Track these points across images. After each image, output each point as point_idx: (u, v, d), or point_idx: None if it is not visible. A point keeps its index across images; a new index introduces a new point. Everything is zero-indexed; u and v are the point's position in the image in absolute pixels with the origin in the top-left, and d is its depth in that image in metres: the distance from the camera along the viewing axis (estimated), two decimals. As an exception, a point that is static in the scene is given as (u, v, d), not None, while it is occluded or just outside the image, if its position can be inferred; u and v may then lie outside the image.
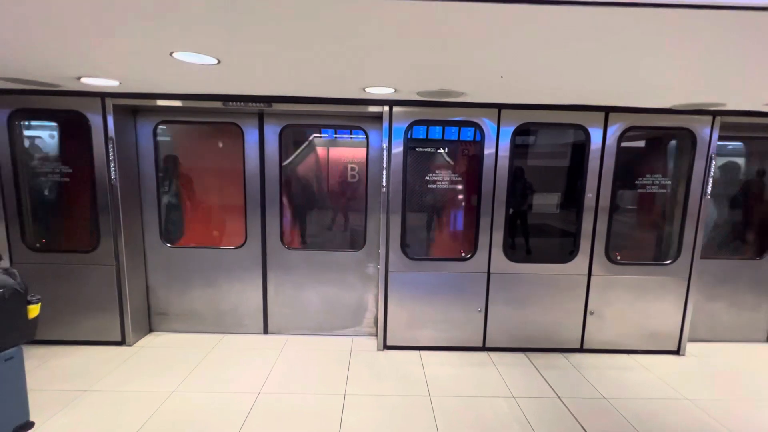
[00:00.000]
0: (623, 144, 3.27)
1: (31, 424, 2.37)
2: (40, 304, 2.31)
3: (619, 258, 3.42)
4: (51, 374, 2.95)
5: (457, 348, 3.51)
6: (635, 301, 3.46)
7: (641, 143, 3.51)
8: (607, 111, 3.20)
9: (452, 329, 3.49)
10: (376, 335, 3.65)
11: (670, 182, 3.42)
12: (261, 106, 3.21)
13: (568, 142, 3.54)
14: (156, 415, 2.50)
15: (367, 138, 3.52)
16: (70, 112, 3.14)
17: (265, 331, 3.76)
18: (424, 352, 3.47)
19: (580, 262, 3.40)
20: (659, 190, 3.42)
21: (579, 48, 1.75)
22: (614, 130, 3.23)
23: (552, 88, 2.61)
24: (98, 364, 3.12)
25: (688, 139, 3.30)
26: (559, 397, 2.85)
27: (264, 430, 2.40)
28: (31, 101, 3.12)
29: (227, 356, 3.31)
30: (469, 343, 3.51)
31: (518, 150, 3.37)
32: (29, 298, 2.26)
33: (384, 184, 3.27)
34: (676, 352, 3.55)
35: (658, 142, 3.53)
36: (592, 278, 3.42)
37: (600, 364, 3.35)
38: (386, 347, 3.51)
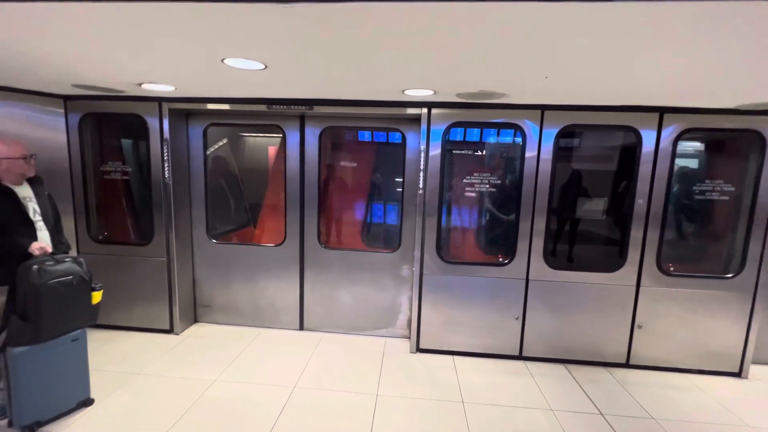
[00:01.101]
0: (679, 147, 3.04)
1: (92, 401, 2.59)
2: (102, 291, 2.52)
3: (672, 269, 3.18)
4: (108, 356, 3.20)
5: (491, 355, 3.42)
6: (690, 316, 3.20)
7: (700, 146, 3.26)
8: (662, 112, 3.00)
9: (487, 336, 3.40)
10: (409, 337, 3.64)
11: (733, 188, 3.14)
12: (303, 109, 3.31)
13: (617, 144, 3.35)
14: (199, 402, 2.65)
15: (404, 140, 3.53)
16: (132, 116, 3.41)
17: (301, 328, 3.87)
18: (457, 357, 3.42)
19: (628, 271, 3.20)
20: (720, 196, 3.15)
21: (631, 45, 1.66)
22: (669, 133, 3.02)
23: (601, 88, 2.49)
24: (149, 349, 3.35)
25: (756, 141, 3.02)
26: (601, 414, 2.70)
27: (298, 424, 2.47)
28: (99, 106, 3.42)
29: (265, 350, 3.44)
30: (505, 351, 3.41)
31: (562, 153, 3.23)
32: (93, 285, 2.47)
33: (421, 186, 3.26)
34: (737, 374, 3.24)
35: (719, 145, 3.26)
36: (641, 289, 3.21)
37: (648, 382, 3.13)
38: (419, 350, 3.49)
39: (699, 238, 3.43)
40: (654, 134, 3.03)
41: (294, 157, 3.62)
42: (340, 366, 3.20)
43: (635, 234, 3.16)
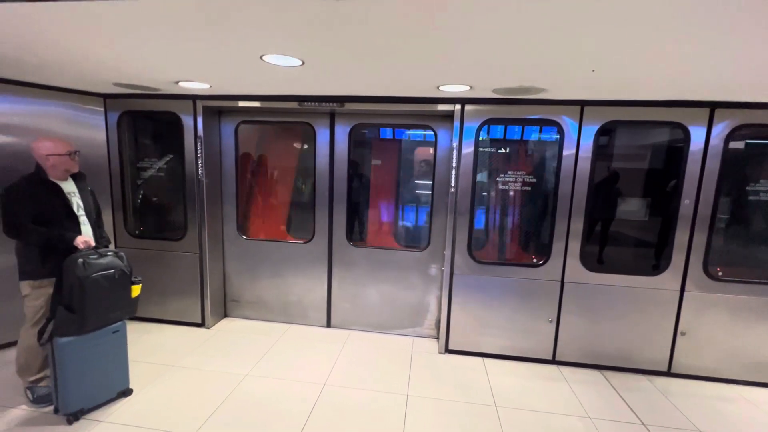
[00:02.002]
0: (731, 145, 2.87)
1: (131, 391, 2.66)
2: (141, 284, 2.58)
3: (720, 274, 3.01)
4: (144, 348, 3.29)
5: (523, 358, 3.33)
6: (739, 324, 3.02)
7: (755, 143, 3.05)
8: (713, 107, 2.83)
9: (519, 338, 3.31)
10: (437, 338, 3.59)
11: (791, 189, 2.93)
12: (333, 106, 3.29)
13: (662, 141, 3.19)
14: (232, 396, 2.68)
15: (435, 137, 3.47)
16: (167, 114, 3.48)
17: (328, 325, 3.87)
18: (487, 360, 3.34)
19: (671, 275, 3.04)
20: (777, 197, 2.95)
21: (690, 33, 1.55)
22: (720, 129, 2.84)
23: (648, 82, 2.36)
24: (182, 342, 3.43)
25: (818, 139, 2.81)
26: (643, 424, 2.58)
27: (330, 422, 2.46)
28: (136, 104, 3.50)
29: (293, 346, 3.45)
30: (537, 355, 3.31)
31: (602, 151, 3.10)
32: (133, 278, 2.53)
33: (452, 184, 3.20)
34: (791, 387, 3.05)
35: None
36: (686, 294, 3.05)
37: (692, 392, 2.98)
38: (448, 351, 3.43)
39: (754, 240, 3.22)
40: (704, 131, 2.86)
41: (323, 154, 3.61)
42: (368, 365, 3.18)
43: (680, 236, 3.00)
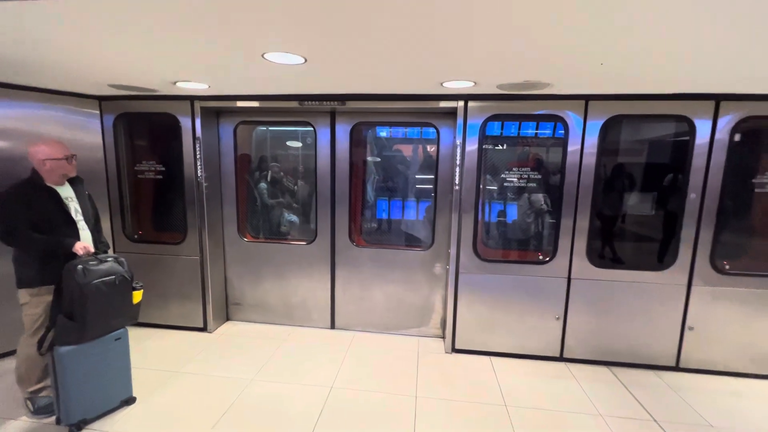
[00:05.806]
0: (737, 138, 2.85)
1: (134, 399, 2.60)
2: (142, 290, 2.52)
3: (728, 267, 2.99)
4: (146, 355, 3.23)
5: (531, 356, 3.30)
6: (748, 317, 3.01)
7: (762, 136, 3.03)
8: (718, 100, 2.80)
9: (526, 336, 3.29)
10: (443, 337, 3.56)
11: (796, 181, 2.92)
12: (334, 105, 3.24)
13: (667, 135, 3.17)
14: (238, 401, 2.63)
15: (438, 135, 3.43)
16: (165, 115, 3.41)
17: (332, 326, 3.83)
18: (495, 358, 3.31)
19: (677, 270, 3.03)
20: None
21: (700, 23, 1.52)
22: (726, 122, 2.82)
23: (657, 75, 2.33)
24: (185, 348, 3.37)
25: (823, 130, 2.79)
26: (655, 420, 2.56)
27: (339, 426, 2.42)
28: (133, 106, 3.43)
29: (298, 349, 3.41)
30: (545, 353, 3.29)
31: (607, 146, 3.07)
32: (134, 284, 2.47)
33: (456, 182, 3.16)
34: (800, 379, 3.04)
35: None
36: (693, 289, 3.03)
37: (701, 387, 2.96)
38: (454, 350, 3.40)
39: (761, 234, 3.21)
40: (709, 123, 2.84)
41: (324, 154, 3.56)
42: (375, 366, 3.14)
43: (686, 230, 2.98)
